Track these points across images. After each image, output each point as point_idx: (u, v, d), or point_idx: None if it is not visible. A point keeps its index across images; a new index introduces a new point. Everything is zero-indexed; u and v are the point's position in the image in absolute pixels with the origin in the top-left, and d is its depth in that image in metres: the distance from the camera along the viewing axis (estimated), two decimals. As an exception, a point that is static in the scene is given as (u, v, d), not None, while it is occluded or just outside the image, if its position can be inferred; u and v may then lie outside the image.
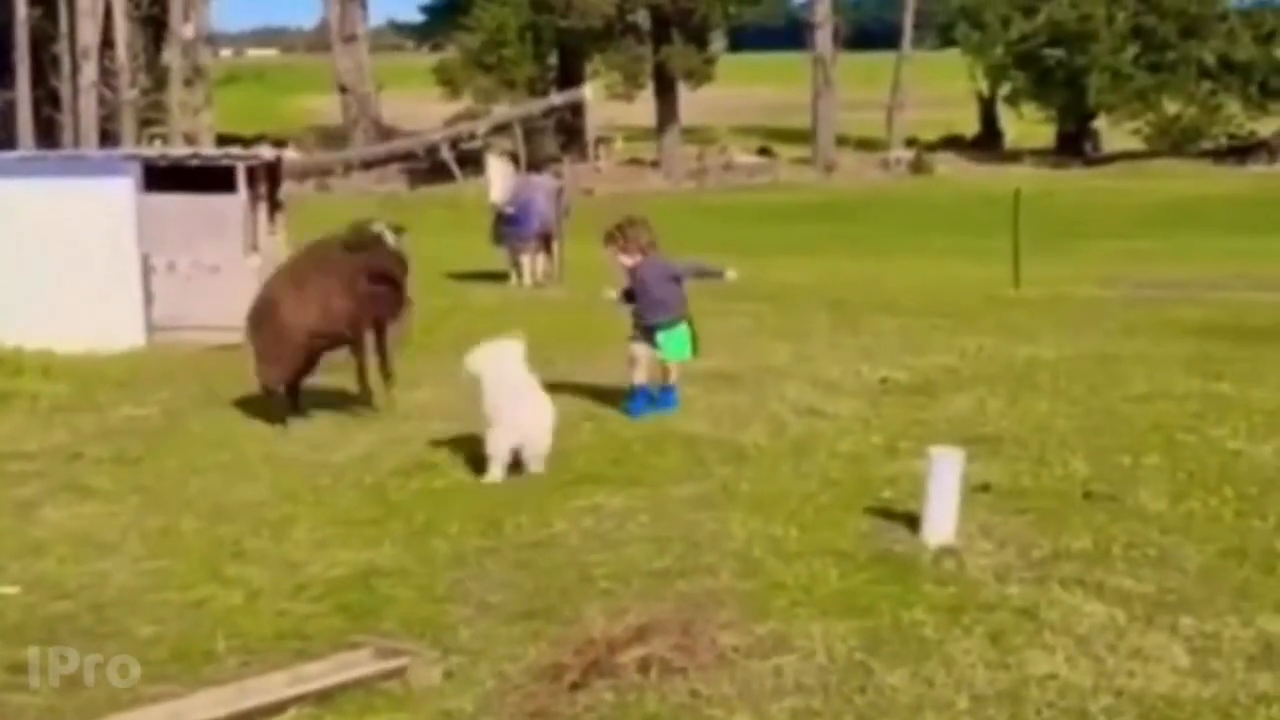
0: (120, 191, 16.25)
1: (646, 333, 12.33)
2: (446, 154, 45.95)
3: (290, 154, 19.81)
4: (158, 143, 44.08)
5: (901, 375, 13.77)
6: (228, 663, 7.39)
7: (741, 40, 74.97)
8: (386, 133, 55.98)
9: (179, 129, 48.12)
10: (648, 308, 12.34)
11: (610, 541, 8.89)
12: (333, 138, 56.98)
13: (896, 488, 9.73)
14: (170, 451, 11.77)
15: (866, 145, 61.61)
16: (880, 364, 14.28)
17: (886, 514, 9.19)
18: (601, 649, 6.96)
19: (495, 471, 10.41)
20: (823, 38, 59.37)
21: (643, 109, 59.38)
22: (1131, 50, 60.34)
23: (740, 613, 7.58)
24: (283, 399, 12.69)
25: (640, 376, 12.36)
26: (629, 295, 12.53)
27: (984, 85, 65.27)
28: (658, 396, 12.35)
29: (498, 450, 10.42)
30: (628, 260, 12.36)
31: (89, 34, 46.63)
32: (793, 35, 69.04)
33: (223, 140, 43.98)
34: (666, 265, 12.50)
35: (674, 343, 12.33)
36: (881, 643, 7.22)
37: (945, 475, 8.66)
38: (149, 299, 16.38)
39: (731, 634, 7.24)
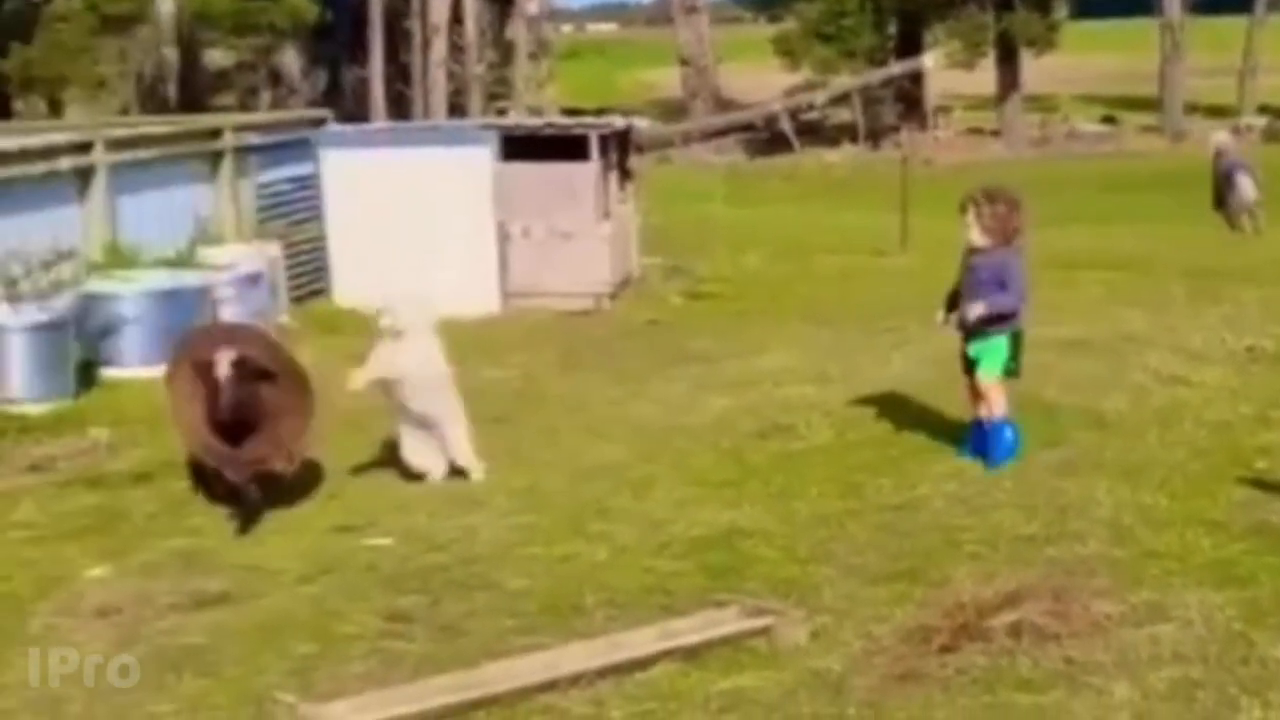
0: (479, 160, 16.62)
1: (964, 339, 9.85)
2: (786, 125, 45.78)
3: (642, 123, 19.98)
4: (513, 112, 44.98)
5: (1268, 344, 13.25)
6: (596, 617, 7.52)
7: (1086, 7, 73.19)
8: (725, 104, 56.19)
9: (523, 103, 49.06)
10: (971, 306, 9.68)
11: (975, 506, 8.78)
12: (671, 110, 57.44)
13: (1271, 458, 9.42)
14: (531, 413, 12.02)
15: (1217, 112, 59.55)
16: (1244, 333, 13.76)
17: (1261, 484, 8.91)
18: (971, 613, 6.89)
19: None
20: (1171, 2, 57.60)
21: (983, 78, 58.41)
22: None
23: (1113, 580, 7.43)
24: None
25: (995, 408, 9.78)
26: (952, 301, 9.95)
27: (1344, 49, 62.51)
28: (975, 435, 9.85)
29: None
30: (979, 239, 9.62)
31: (439, 12, 47.87)
32: (1138, 1, 67.13)
33: (566, 114, 44.66)
34: (1016, 266, 9.71)
35: (989, 355, 9.70)
36: (1263, 614, 6.99)
37: (1328, 445, 8.33)
38: (504, 265, 16.73)
39: (1105, 602, 7.09)
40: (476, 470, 10.01)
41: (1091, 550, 7.95)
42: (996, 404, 9.72)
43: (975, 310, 9.60)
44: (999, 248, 9.64)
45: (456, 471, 9.97)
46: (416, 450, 9.96)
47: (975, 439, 9.84)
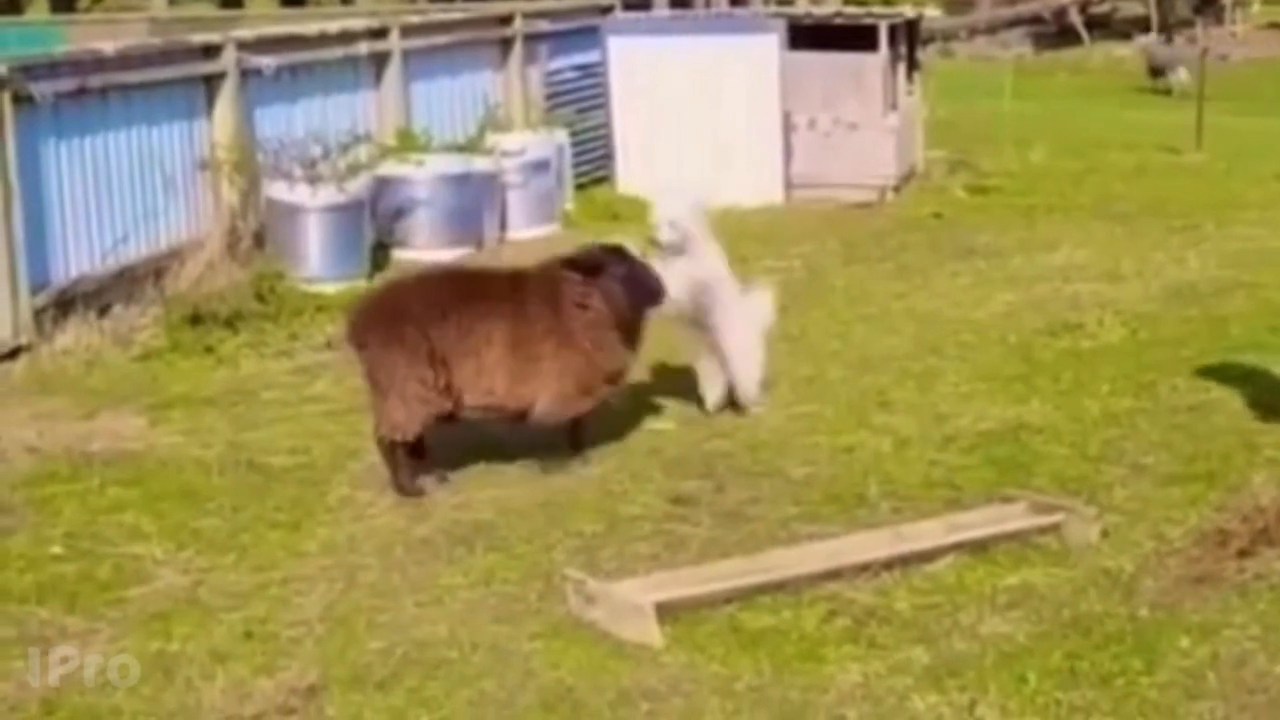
0: (766, 49, 16.44)
1: None
2: (1075, 18, 44.71)
3: (932, 13, 19.61)
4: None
5: None
6: (880, 508, 7.51)
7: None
8: (1012, -3, 54.92)
9: (807, -6, 48.57)
10: None
11: (1273, 411, 8.50)
12: (956, 2, 56.36)
13: None
14: (813, 303, 11.95)
15: None
16: None
17: None
18: (1271, 518, 6.69)
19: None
20: None
21: (1288, -29, 56.27)
22: None
23: None
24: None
25: None
26: None
27: None
28: None
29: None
30: None
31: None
32: None
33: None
34: None
35: None
36: None
37: None
38: (788, 156, 16.61)
39: None
40: (755, 404, 9.08)
41: (1401, 462, 7.68)
42: None
43: None
44: None
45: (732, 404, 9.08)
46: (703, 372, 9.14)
47: None
